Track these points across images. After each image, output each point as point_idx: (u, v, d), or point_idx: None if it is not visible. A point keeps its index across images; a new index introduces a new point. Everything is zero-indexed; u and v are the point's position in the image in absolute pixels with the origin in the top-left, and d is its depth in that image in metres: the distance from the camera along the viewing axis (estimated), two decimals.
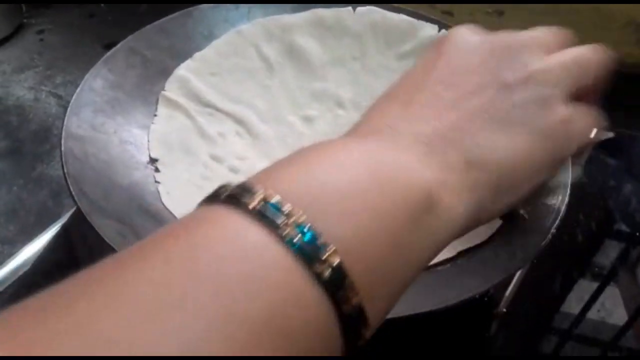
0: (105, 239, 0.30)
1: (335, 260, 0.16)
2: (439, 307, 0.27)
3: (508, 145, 0.22)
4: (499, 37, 0.25)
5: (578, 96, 0.25)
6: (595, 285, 0.48)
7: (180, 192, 0.37)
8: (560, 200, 0.33)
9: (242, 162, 0.41)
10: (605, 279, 0.49)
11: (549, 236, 0.31)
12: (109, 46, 0.44)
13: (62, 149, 0.35)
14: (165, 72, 0.43)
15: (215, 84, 0.44)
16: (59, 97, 0.55)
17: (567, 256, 0.48)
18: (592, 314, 0.48)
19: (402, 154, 0.21)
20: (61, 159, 0.34)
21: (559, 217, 0.32)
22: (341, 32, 0.47)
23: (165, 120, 0.41)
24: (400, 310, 0.26)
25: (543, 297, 0.47)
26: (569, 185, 0.34)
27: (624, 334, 0.47)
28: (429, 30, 0.46)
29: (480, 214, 0.23)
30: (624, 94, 0.56)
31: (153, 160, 0.39)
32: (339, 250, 0.17)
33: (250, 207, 0.17)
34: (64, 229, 0.43)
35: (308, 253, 0.16)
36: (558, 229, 0.32)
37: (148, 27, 0.44)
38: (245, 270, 0.15)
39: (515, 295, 0.42)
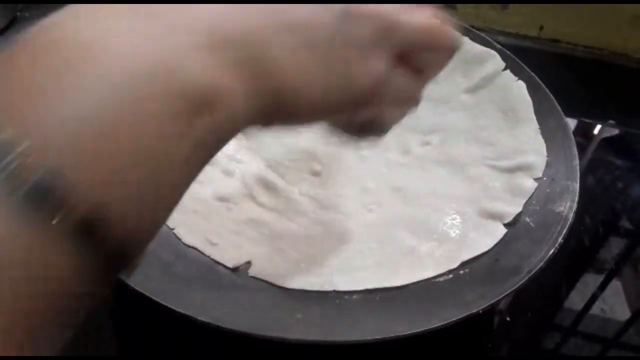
0: None
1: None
2: (440, 326, 0.26)
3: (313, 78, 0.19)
4: None
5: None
6: (597, 281, 0.47)
7: None
8: (568, 208, 0.32)
9: (237, 165, 0.40)
10: (608, 275, 0.48)
11: (557, 246, 0.30)
12: None
13: None
14: None
15: None
16: None
17: (571, 256, 0.47)
18: (594, 310, 0.47)
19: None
20: None
21: (567, 226, 0.31)
22: None
23: None
24: (401, 329, 0.26)
25: (545, 294, 0.46)
26: (577, 192, 0.32)
27: (626, 331, 0.46)
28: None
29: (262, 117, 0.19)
30: (630, 91, 0.55)
31: None
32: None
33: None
34: None
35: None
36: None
37: None
38: None
39: (517, 294, 0.41)
